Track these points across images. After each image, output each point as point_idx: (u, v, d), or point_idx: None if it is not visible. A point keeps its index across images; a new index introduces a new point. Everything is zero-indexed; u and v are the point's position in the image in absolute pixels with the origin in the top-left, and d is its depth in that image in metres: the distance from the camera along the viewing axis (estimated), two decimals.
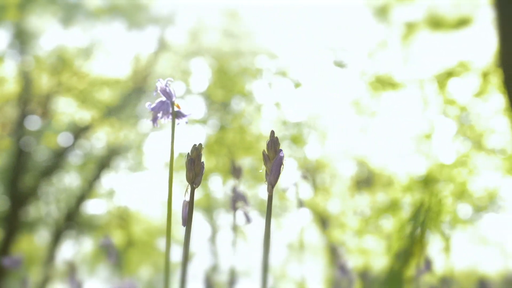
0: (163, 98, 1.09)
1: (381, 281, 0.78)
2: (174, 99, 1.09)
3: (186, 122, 1.10)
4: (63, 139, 9.26)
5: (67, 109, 9.37)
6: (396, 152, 7.63)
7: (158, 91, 1.08)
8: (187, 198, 1.00)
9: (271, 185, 0.95)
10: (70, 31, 9.12)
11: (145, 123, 9.16)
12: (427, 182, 6.54)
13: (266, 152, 0.96)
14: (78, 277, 1.91)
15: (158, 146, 10.85)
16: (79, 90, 8.91)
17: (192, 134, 8.57)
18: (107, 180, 10.39)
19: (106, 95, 9.16)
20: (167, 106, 1.09)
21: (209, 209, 9.98)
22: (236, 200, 1.44)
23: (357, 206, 8.76)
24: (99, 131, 9.50)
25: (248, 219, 1.44)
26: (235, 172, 1.46)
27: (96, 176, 9.65)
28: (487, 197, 7.15)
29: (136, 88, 9.10)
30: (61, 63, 8.67)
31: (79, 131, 9.12)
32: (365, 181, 8.94)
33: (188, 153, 0.99)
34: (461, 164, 6.62)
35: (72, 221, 9.65)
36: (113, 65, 9.40)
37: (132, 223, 11.22)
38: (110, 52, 9.40)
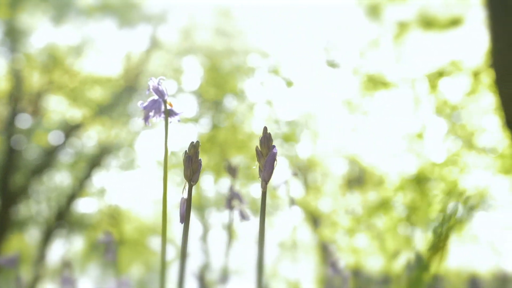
0: (155, 97, 1.08)
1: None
2: (166, 97, 1.09)
3: (179, 120, 1.10)
4: (54, 137, 9.23)
5: (58, 107, 9.34)
6: (387, 151, 7.65)
7: (151, 90, 1.08)
8: (185, 195, 1.00)
9: (265, 181, 0.95)
10: (61, 29, 9.08)
11: (137, 122, 9.14)
12: (419, 181, 6.57)
13: (259, 148, 0.96)
14: (73, 276, 1.90)
15: (150, 144, 10.83)
16: (70, 88, 8.88)
17: (184, 132, 8.56)
18: (98, 178, 10.37)
19: (97, 94, 9.13)
20: (159, 104, 1.09)
21: (201, 207, 9.97)
22: (232, 199, 1.44)
23: (348, 205, 8.77)
24: (90, 130, 9.47)
25: (244, 217, 1.44)
26: (231, 171, 1.46)
27: (87, 175, 9.63)
28: (478, 196, 7.18)
29: (128, 87, 9.07)
30: (52, 61, 8.64)
31: (70, 130, 9.08)
32: (357, 180, 8.97)
33: (186, 150, 0.99)
34: (452, 163, 6.64)
35: (62, 219, 9.62)
36: (105, 63, 9.37)
37: (123, 221, 11.20)
38: (102, 50, 9.37)
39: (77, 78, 8.95)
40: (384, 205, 7.06)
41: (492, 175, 6.65)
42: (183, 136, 8.69)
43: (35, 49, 8.96)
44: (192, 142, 1.00)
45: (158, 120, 1.09)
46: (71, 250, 12.21)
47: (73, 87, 8.86)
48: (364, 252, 8.14)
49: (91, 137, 9.78)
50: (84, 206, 10.85)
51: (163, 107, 1.08)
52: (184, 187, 1.00)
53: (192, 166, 0.99)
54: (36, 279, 9.34)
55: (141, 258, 13.35)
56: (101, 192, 10.76)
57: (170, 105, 1.09)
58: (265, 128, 0.97)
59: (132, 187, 11.48)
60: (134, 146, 10.11)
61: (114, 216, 10.71)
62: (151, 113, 1.08)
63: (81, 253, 12.67)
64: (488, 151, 6.47)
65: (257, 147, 0.96)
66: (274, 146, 0.95)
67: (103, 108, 8.93)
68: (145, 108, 1.08)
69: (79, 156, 9.91)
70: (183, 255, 1.00)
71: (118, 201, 11.26)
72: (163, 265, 1.02)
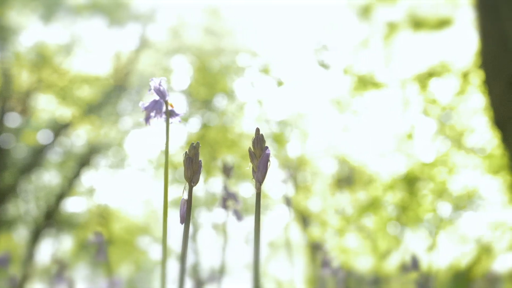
0: (156, 97, 1.09)
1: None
2: (167, 98, 1.09)
3: (179, 121, 1.11)
4: (43, 136, 9.18)
5: (47, 106, 9.29)
6: (377, 151, 7.67)
7: (152, 90, 1.08)
8: (185, 196, 1.00)
9: (259, 182, 0.95)
10: (50, 27, 9.04)
11: (126, 121, 9.13)
12: (408, 181, 6.59)
13: (252, 149, 0.96)
14: (70, 276, 1.90)
15: (139, 143, 10.80)
16: (59, 87, 8.84)
17: (174, 132, 8.54)
18: (87, 177, 10.33)
19: (86, 93, 9.10)
20: (160, 105, 1.09)
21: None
22: (227, 198, 1.44)
23: (338, 204, 8.78)
24: (79, 129, 9.43)
25: (239, 217, 1.45)
26: (226, 171, 1.47)
27: (76, 174, 9.59)
28: (466, 195, 7.21)
29: (117, 86, 9.05)
30: (41, 60, 8.59)
31: (59, 129, 9.04)
32: (346, 180, 8.99)
33: (186, 151, 0.99)
34: (441, 163, 6.66)
35: (51, 219, 9.57)
36: (94, 62, 9.34)
37: (112, 221, 11.16)
38: (91, 49, 9.34)
39: (66, 77, 8.91)
40: (373, 205, 7.07)
41: (481, 175, 6.69)
42: (173, 135, 8.67)
43: (24, 47, 8.91)
44: (193, 143, 1.00)
45: (159, 121, 1.09)
46: (60, 250, 12.16)
47: (62, 86, 8.82)
48: (354, 252, 8.15)
49: (80, 136, 9.74)
50: (73, 205, 10.81)
51: (164, 108, 1.09)
52: (185, 188, 1.00)
53: (192, 167, 0.99)
54: (25, 278, 9.29)
55: (130, 257, 13.31)
56: (90, 192, 10.72)
57: (171, 106, 1.09)
58: (258, 129, 0.97)
59: (122, 187, 11.45)
60: (124, 145, 10.08)
61: (103, 215, 10.67)
62: (152, 114, 1.09)
63: (70, 252, 12.61)
64: (477, 151, 6.50)
65: (249, 148, 0.96)
66: (267, 147, 0.96)
67: (92, 107, 8.90)
68: (146, 108, 1.08)
69: (68, 155, 9.87)
70: (183, 255, 1.00)
71: (107, 200, 11.23)
72: (164, 266, 1.02)
